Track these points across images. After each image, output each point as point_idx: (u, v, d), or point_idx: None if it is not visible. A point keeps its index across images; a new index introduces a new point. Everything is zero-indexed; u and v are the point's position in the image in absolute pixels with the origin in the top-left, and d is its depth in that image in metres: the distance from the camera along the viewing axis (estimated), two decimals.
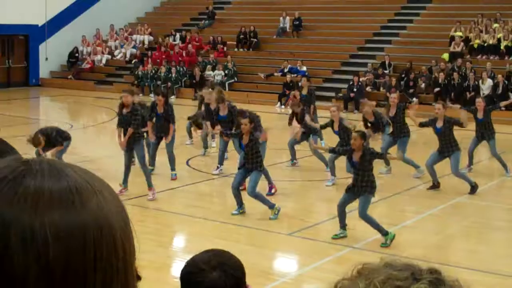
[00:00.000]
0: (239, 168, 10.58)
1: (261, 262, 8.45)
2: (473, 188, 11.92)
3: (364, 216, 9.10)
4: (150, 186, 11.28)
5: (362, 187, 9.12)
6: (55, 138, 11.79)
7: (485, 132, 13.18)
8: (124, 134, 11.23)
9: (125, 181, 11.42)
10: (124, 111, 11.33)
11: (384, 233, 9.11)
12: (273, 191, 11.77)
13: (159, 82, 26.65)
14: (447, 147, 11.87)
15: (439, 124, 11.87)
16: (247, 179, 10.64)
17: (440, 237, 9.98)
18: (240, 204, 10.47)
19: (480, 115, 13.15)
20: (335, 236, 9.42)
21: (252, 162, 10.31)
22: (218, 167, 13.18)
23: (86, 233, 0.84)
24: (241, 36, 28.75)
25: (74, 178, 0.87)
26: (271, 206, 10.33)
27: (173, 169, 12.76)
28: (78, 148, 14.58)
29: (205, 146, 14.90)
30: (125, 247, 0.89)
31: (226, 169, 13.27)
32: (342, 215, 9.41)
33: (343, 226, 9.44)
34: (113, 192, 0.92)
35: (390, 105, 13.13)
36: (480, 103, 13.27)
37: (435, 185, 12.12)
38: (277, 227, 10.06)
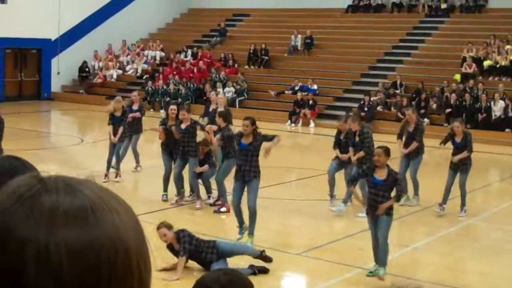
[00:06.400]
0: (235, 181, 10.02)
1: (269, 281, 8.37)
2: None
3: (385, 242, 8.46)
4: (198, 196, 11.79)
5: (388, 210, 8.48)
6: None
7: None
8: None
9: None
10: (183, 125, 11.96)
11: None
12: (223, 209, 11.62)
13: (168, 99, 26.72)
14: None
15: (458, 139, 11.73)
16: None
17: (451, 259, 9.87)
18: (241, 223, 9.97)
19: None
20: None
21: (251, 169, 9.79)
22: (190, 194, 12.45)
23: (101, 252, 0.84)
24: (252, 54, 28.81)
25: (90, 196, 0.87)
26: (251, 232, 9.76)
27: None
28: (88, 163, 14.59)
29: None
30: (141, 266, 0.88)
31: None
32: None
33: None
34: (130, 210, 0.91)
35: (408, 121, 12.58)
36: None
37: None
38: (285, 247, 9.97)
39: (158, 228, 8.39)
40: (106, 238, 0.85)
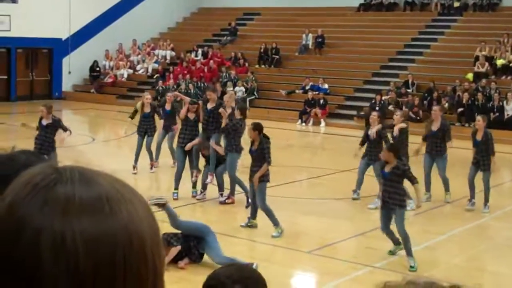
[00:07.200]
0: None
1: (279, 279, 8.34)
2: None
3: (403, 233, 8.92)
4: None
5: (391, 202, 8.98)
6: None
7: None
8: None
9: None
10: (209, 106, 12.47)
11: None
12: (228, 201, 11.95)
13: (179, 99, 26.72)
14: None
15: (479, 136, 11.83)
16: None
17: (463, 258, 9.82)
18: (250, 217, 10.55)
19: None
20: (391, 253, 9.29)
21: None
22: (202, 192, 12.44)
23: (116, 241, 0.84)
24: (263, 53, 28.78)
25: (105, 187, 0.87)
26: (276, 224, 10.15)
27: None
28: (100, 161, 14.60)
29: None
30: (155, 257, 0.88)
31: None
32: (390, 235, 9.19)
33: (397, 242, 9.22)
34: (144, 201, 0.91)
35: (432, 120, 12.70)
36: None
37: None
38: (296, 245, 9.96)
39: None
40: (121, 228, 0.85)
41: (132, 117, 14.44)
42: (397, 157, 9.08)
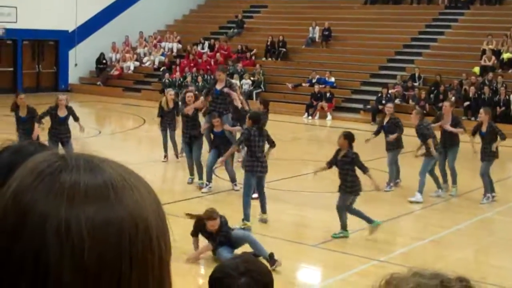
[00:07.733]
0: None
1: (285, 272, 8.36)
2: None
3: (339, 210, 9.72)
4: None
5: (345, 186, 9.67)
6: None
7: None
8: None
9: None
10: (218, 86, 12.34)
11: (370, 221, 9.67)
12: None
13: (185, 90, 26.70)
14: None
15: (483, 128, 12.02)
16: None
17: (467, 252, 9.83)
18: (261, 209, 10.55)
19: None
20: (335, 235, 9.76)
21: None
22: (207, 185, 12.35)
23: (121, 229, 0.84)
24: (269, 46, 28.75)
25: (110, 174, 0.87)
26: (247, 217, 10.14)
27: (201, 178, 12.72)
28: (105, 154, 14.59)
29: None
30: (161, 244, 0.88)
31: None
32: (357, 214, 9.81)
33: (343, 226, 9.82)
34: (150, 188, 0.91)
35: (443, 114, 12.82)
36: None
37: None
38: (301, 238, 9.99)
39: (214, 218, 8.34)
40: (127, 215, 0.84)
41: (159, 115, 14.69)
42: (351, 146, 9.62)
